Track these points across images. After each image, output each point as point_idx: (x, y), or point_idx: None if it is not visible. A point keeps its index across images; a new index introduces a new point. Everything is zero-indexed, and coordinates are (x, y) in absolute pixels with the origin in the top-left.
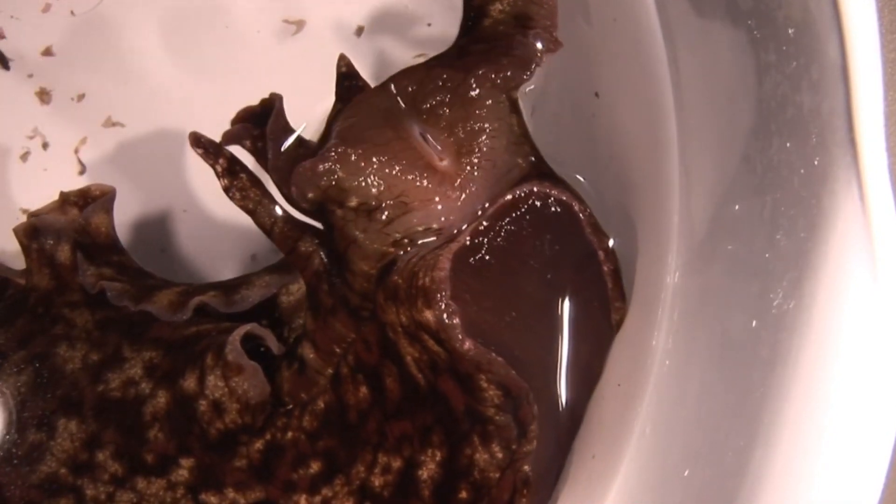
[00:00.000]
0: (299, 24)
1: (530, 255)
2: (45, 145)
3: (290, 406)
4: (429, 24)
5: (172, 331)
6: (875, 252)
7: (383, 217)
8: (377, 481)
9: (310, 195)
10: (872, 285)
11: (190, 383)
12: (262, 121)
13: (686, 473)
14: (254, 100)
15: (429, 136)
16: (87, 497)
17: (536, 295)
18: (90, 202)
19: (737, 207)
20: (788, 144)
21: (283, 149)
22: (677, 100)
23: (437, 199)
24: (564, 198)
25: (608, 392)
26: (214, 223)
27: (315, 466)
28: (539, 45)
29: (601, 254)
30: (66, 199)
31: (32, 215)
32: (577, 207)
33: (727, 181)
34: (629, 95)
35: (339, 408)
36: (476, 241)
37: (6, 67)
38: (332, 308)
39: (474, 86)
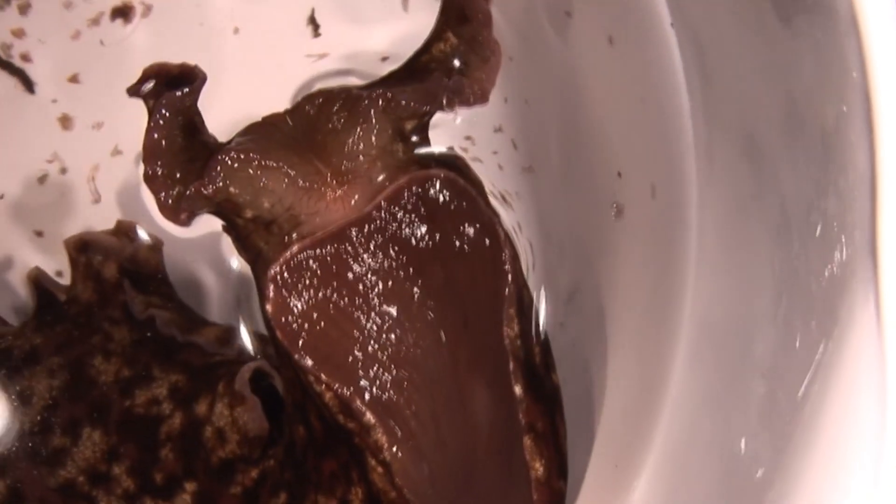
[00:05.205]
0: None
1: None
2: (62, 170)
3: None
4: None
5: (201, 357)
6: (887, 375)
7: (279, 230)
8: None
9: (204, 211)
10: (881, 418)
11: (202, 408)
12: (174, 85)
13: (709, 483)
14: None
15: (318, 155)
16: None
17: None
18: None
19: (751, 305)
20: (809, 248)
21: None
22: (700, 199)
23: (318, 214)
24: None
25: (630, 402)
26: (215, 252)
27: (283, 497)
28: (459, 89)
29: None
30: (119, 228)
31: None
32: (462, 182)
33: (743, 277)
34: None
35: (292, 443)
36: (314, 251)
37: (31, 91)
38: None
39: (365, 104)
